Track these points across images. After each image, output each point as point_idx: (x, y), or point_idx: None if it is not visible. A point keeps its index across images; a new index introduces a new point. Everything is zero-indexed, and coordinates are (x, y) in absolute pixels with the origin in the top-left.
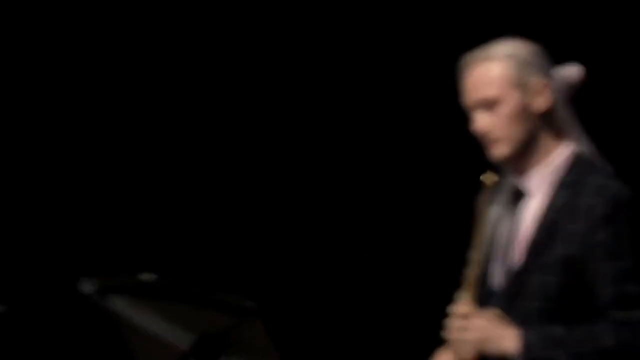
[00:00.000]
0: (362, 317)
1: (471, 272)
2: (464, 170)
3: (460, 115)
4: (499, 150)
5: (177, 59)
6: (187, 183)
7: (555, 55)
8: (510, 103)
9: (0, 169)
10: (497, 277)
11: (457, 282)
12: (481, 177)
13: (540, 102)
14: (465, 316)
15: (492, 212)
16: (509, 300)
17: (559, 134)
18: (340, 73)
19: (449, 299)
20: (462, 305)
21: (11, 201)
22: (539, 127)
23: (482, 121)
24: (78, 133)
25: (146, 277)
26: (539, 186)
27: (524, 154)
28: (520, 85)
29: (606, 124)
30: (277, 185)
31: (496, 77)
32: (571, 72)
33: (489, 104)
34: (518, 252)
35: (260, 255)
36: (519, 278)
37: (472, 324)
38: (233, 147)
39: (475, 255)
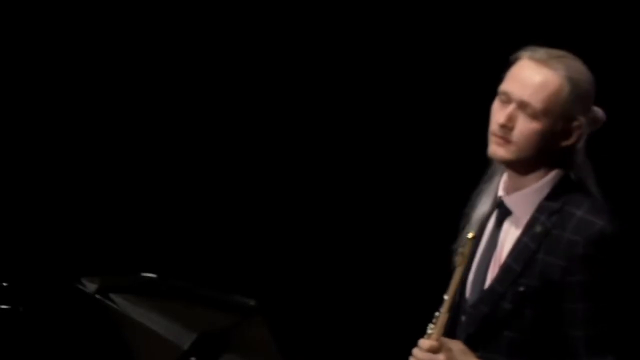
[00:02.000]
0: (362, 316)
1: (443, 312)
2: (462, 174)
3: (454, 123)
4: (503, 153)
5: (177, 59)
6: (187, 183)
7: None
8: (547, 125)
9: (0, 169)
10: (471, 293)
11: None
12: (467, 235)
13: (568, 139)
14: (432, 350)
15: (477, 215)
16: (479, 324)
17: (561, 164)
18: (338, 73)
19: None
20: (430, 339)
21: (11, 201)
22: (550, 155)
23: (511, 116)
24: (78, 133)
25: (146, 276)
26: (524, 208)
27: (522, 172)
28: (566, 117)
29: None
30: (277, 184)
31: (553, 95)
32: (597, 115)
33: (529, 111)
34: (492, 273)
35: (260, 255)
36: (492, 302)
37: (439, 359)
38: (232, 147)
39: (449, 297)
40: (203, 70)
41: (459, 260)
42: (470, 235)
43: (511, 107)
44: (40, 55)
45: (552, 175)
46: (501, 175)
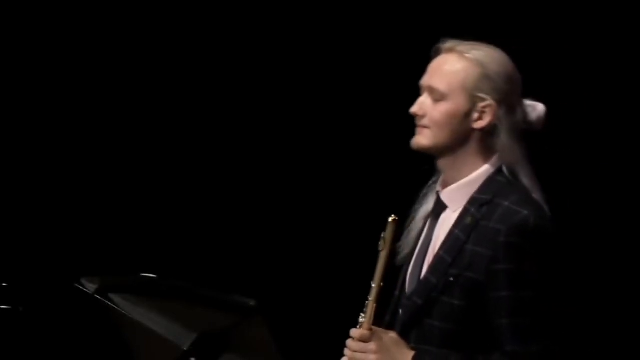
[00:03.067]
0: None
1: (371, 300)
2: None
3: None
4: (420, 139)
5: (177, 59)
6: (186, 183)
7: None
8: (453, 105)
9: (0, 169)
10: (409, 287)
11: None
12: (388, 218)
13: (480, 121)
14: (363, 339)
15: (422, 213)
16: (413, 315)
17: (491, 155)
18: (337, 73)
19: None
20: (362, 328)
21: (11, 201)
22: (469, 142)
23: (421, 104)
24: (78, 133)
25: (146, 276)
26: (457, 202)
27: (450, 164)
28: (471, 95)
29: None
30: (276, 185)
31: (455, 75)
32: (533, 108)
33: (436, 94)
34: (427, 266)
35: (260, 255)
36: (425, 294)
37: (370, 348)
38: (232, 147)
39: (375, 284)
40: (203, 71)
41: (381, 245)
42: (390, 218)
43: (422, 96)
44: (40, 55)
45: (485, 168)
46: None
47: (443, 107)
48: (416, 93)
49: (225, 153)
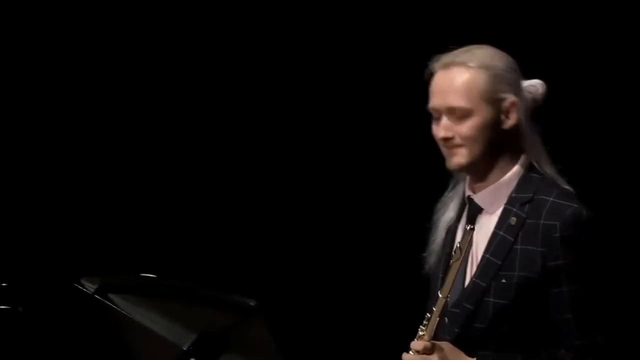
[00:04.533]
0: (361, 316)
1: (437, 310)
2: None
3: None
4: (458, 159)
5: (177, 59)
6: (186, 183)
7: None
8: (480, 116)
9: (0, 169)
10: (450, 295)
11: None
12: (467, 227)
13: (509, 121)
14: (425, 351)
15: (444, 221)
16: (465, 322)
17: (519, 151)
18: (332, 77)
19: None
20: (421, 341)
21: (11, 201)
22: (501, 144)
23: (447, 127)
24: (78, 133)
25: (146, 276)
26: (494, 204)
27: (482, 169)
28: (492, 100)
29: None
30: (276, 185)
31: (470, 88)
32: (535, 87)
33: (458, 113)
34: (471, 272)
35: (260, 255)
36: (476, 299)
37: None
38: (232, 147)
39: (443, 295)
40: (203, 70)
41: (456, 255)
42: (469, 227)
43: (444, 119)
44: (40, 55)
45: (517, 167)
46: (465, 180)
47: (472, 123)
48: (425, 91)
49: (225, 153)
